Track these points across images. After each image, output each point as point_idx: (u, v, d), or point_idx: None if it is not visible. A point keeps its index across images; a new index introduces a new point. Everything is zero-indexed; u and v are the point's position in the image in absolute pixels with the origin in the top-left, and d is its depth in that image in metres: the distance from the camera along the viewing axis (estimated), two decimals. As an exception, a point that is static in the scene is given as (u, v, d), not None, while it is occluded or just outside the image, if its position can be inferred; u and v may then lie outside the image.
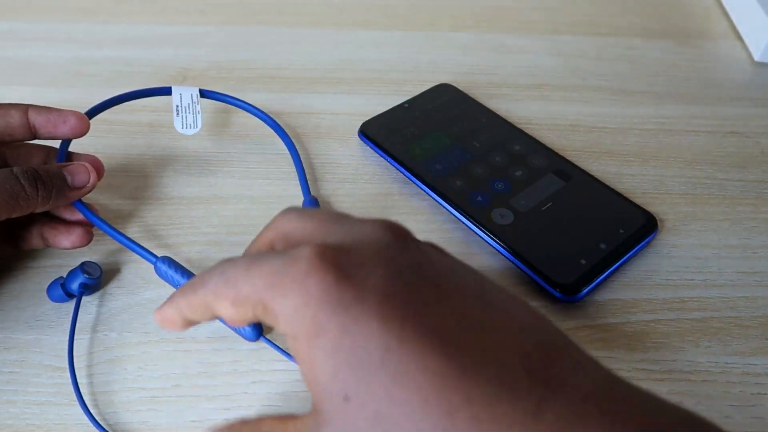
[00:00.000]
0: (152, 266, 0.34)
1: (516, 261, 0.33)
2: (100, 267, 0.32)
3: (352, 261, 0.19)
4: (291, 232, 0.23)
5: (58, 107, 0.33)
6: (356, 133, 0.41)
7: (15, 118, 0.31)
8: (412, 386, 0.17)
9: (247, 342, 0.31)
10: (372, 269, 0.19)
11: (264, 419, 0.21)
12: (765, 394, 0.30)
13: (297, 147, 0.40)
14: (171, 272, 0.31)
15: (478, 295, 0.20)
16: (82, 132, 0.33)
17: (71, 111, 0.33)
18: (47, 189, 0.30)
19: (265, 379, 0.30)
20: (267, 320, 0.20)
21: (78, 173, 0.31)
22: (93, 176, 0.32)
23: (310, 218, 0.23)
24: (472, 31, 0.53)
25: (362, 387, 0.17)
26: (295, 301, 0.18)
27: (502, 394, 0.17)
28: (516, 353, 0.18)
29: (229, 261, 0.22)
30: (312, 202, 0.36)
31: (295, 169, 0.40)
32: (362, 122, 0.41)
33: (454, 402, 0.17)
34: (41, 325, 0.31)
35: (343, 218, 0.23)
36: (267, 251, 0.22)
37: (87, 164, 0.32)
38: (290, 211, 0.24)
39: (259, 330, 0.30)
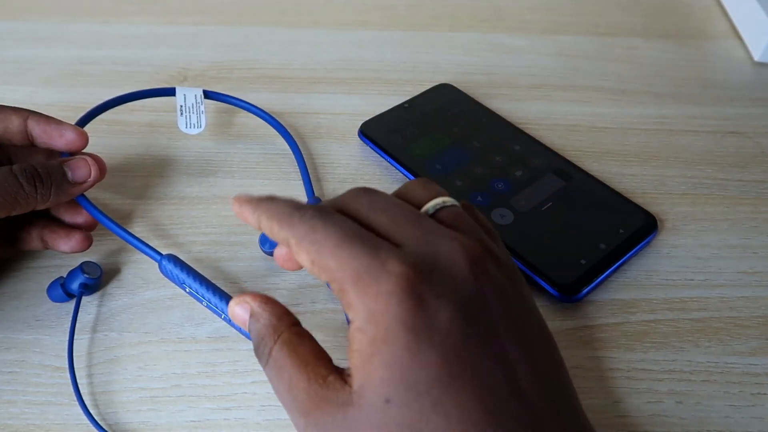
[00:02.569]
0: (152, 266, 0.34)
1: (516, 261, 0.33)
2: (100, 267, 0.32)
3: (431, 291, 0.21)
4: (371, 220, 0.24)
5: (64, 110, 0.33)
6: (356, 133, 0.41)
7: (14, 124, 0.31)
8: (444, 417, 0.20)
9: (247, 342, 0.31)
10: (445, 305, 0.21)
11: (306, 341, 0.24)
12: (765, 394, 0.30)
13: (300, 147, 0.40)
14: (177, 271, 0.31)
15: (527, 349, 0.22)
16: (79, 147, 0.32)
17: (69, 126, 0.32)
18: (46, 186, 0.30)
19: (265, 379, 0.30)
20: (338, 296, 0.22)
21: (78, 168, 0.31)
22: (94, 170, 0.31)
23: (390, 213, 0.24)
24: (472, 31, 0.53)
25: (404, 400, 0.20)
26: (375, 307, 0.21)
27: None
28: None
29: (321, 215, 0.23)
30: (316, 202, 0.36)
31: (295, 169, 0.40)
32: (362, 122, 0.41)
33: None
34: (41, 325, 0.31)
35: (423, 222, 0.23)
36: (358, 228, 0.23)
37: (88, 158, 0.32)
38: (363, 194, 0.25)
39: None
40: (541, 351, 0.23)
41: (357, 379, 0.21)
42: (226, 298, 0.31)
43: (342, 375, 0.22)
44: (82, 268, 0.31)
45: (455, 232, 0.23)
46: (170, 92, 0.39)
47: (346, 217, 0.23)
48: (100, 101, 0.37)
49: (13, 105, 0.32)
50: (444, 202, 0.25)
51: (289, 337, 0.23)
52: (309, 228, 0.22)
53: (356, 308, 0.21)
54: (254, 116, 0.43)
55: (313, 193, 0.37)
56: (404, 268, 0.21)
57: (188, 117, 0.39)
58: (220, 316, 0.31)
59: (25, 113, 0.32)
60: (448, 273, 0.22)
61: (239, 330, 0.31)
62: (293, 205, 0.24)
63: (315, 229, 0.22)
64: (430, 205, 0.25)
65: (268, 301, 0.24)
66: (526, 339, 0.22)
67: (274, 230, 0.24)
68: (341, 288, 0.22)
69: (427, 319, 0.21)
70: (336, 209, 0.25)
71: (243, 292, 0.33)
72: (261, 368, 0.30)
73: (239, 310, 0.25)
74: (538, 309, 0.25)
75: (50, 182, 0.30)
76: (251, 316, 0.24)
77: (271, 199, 0.25)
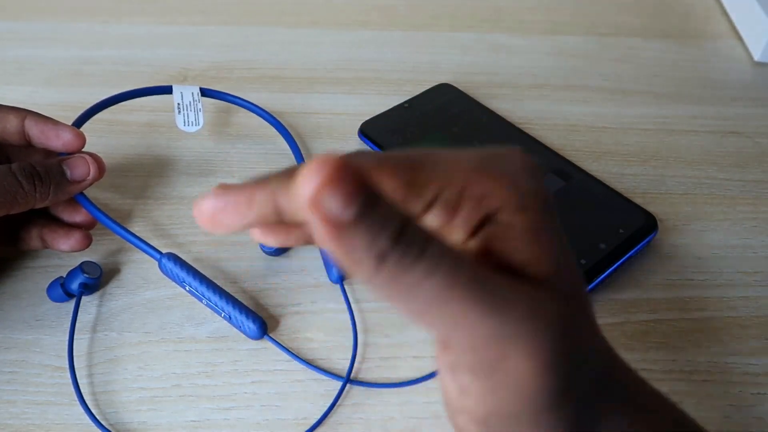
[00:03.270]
0: (152, 266, 0.34)
1: (516, 261, 0.33)
2: (100, 267, 0.32)
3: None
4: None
5: (64, 110, 0.33)
6: (356, 133, 0.41)
7: (12, 124, 0.31)
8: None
9: (247, 342, 0.31)
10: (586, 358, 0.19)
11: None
12: (765, 394, 0.30)
13: (299, 147, 0.40)
14: (177, 269, 0.31)
15: None
16: (76, 148, 0.32)
17: (67, 126, 0.32)
18: (45, 184, 0.30)
19: (265, 379, 0.30)
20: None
21: (77, 166, 0.31)
22: (93, 169, 0.31)
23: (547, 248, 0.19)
24: (472, 31, 0.53)
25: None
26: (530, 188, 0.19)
27: None
28: None
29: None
30: None
31: (295, 169, 0.40)
32: (362, 122, 0.41)
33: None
34: (41, 325, 0.31)
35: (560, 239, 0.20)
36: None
37: (87, 157, 0.31)
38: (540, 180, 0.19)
39: (263, 328, 0.30)
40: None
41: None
42: (226, 296, 0.31)
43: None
44: (82, 267, 0.31)
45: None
46: (167, 90, 0.39)
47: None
48: (101, 99, 0.37)
49: (12, 105, 0.32)
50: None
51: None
52: (404, 292, 0.15)
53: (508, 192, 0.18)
54: (254, 116, 0.43)
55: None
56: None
57: (186, 115, 0.39)
58: (219, 314, 0.31)
59: (23, 113, 0.32)
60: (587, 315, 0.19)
61: (240, 329, 0.31)
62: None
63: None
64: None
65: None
66: None
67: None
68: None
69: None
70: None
71: (243, 291, 0.33)
72: (261, 368, 0.30)
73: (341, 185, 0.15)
74: None
75: (49, 181, 0.30)
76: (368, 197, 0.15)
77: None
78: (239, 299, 0.31)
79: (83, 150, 0.33)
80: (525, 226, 0.18)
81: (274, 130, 0.41)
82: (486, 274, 0.16)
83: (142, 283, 0.33)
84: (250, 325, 0.30)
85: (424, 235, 0.15)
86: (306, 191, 0.13)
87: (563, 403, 0.18)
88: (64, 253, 0.34)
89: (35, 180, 0.30)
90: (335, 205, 0.13)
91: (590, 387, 0.19)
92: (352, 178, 0.14)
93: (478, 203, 0.18)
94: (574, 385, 0.18)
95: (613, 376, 0.20)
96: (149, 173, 0.39)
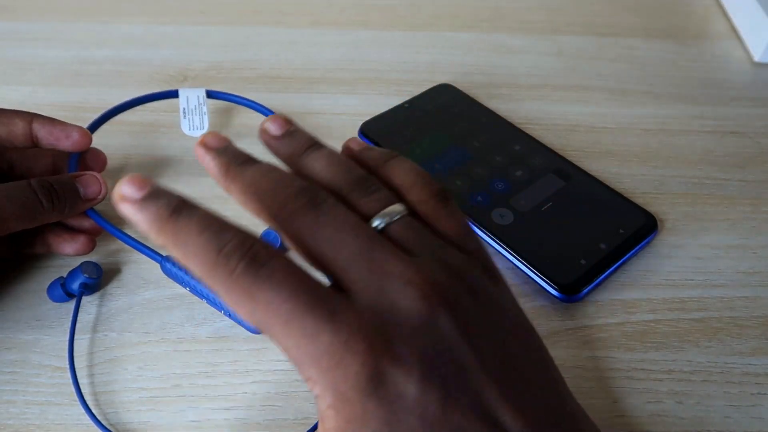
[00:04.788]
0: (152, 267, 0.34)
1: (516, 261, 0.33)
2: (100, 267, 0.33)
3: (395, 357, 0.20)
4: (315, 249, 0.21)
5: (64, 110, 0.33)
6: (356, 133, 0.41)
7: (19, 127, 0.32)
8: None
9: (247, 342, 0.31)
10: (410, 368, 0.20)
11: None
12: (765, 394, 0.30)
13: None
14: (178, 271, 0.31)
15: (502, 383, 0.21)
16: (84, 147, 0.34)
17: (75, 126, 0.33)
18: (61, 202, 0.31)
19: (265, 379, 0.30)
20: (298, 370, 0.20)
21: (90, 185, 0.32)
22: (104, 188, 0.33)
23: (336, 240, 0.21)
24: (472, 31, 0.53)
25: None
26: (344, 389, 0.19)
27: None
28: None
29: (254, 270, 0.19)
30: None
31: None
32: (362, 122, 0.41)
33: None
34: (41, 325, 0.31)
35: (374, 253, 0.21)
36: (304, 286, 0.20)
37: (98, 175, 0.33)
38: (307, 207, 0.22)
39: None
40: (521, 376, 0.21)
41: None
42: None
43: None
44: (82, 268, 0.32)
45: (409, 268, 0.21)
46: (173, 94, 0.39)
47: (285, 267, 0.20)
48: (100, 101, 0.37)
49: (13, 105, 0.33)
50: (393, 213, 0.23)
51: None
52: (244, 293, 0.20)
53: (323, 387, 0.20)
54: (254, 116, 0.43)
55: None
56: (366, 343, 0.19)
57: (191, 119, 0.39)
58: (220, 310, 0.31)
59: (29, 116, 0.32)
60: (408, 327, 0.20)
61: (240, 323, 0.31)
62: (214, 241, 0.20)
63: (253, 297, 0.19)
64: (379, 222, 0.22)
65: None
66: (501, 370, 0.21)
67: (196, 274, 0.20)
68: (299, 364, 0.20)
69: (398, 388, 0.19)
70: (277, 225, 0.22)
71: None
72: (261, 368, 0.30)
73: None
74: (519, 315, 0.23)
75: (65, 198, 0.31)
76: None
77: (179, 216, 0.20)
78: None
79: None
80: (331, 425, 0.20)
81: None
82: None
83: (142, 283, 0.33)
84: None
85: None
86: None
87: None
88: (68, 256, 0.34)
89: (53, 197, 0.30)
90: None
91: None
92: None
93: (307, 381, 0.20)
94: None
95: None
96: (150, 173, 0.39)
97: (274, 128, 0.26)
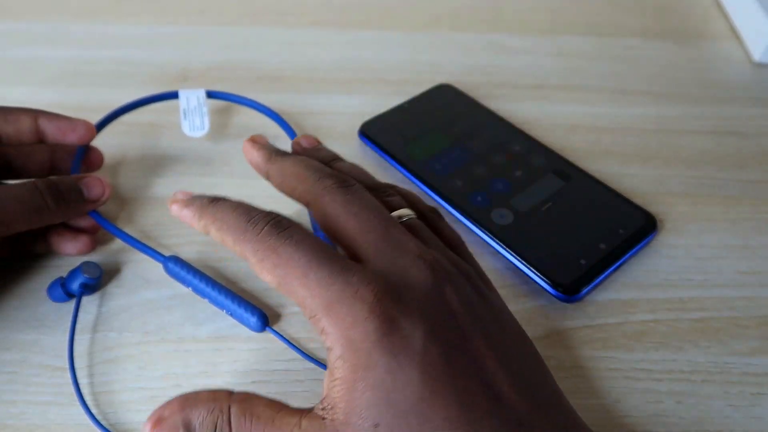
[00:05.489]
0: (152, 267, 0.34)
1: (516, 261, 0.33)
2: (100, 267, 0.33)
3: (403, 312, 0.22)
4: (340, 226, 0.24)
5: (64, 110, 0.34)
6: (356, 133, 0.41)
7: (26, 124, 0.32)
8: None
9: (247, 342, 0.31)
10: (419, 324, 0.21)
11: (254, 400, 0.22)
12: (765, 394, 0.30)
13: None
14: (180, 271, 0.31)
15: (502, 355, 0.22)
16: (89, 140, 0.34)
17: (80, 120, 0.34)
18: (66, 203, 0.31)
19: (265, 379, 0.30)
20: (310, 321, 0.22)
21: (94, 187, 0.33)
22: (107, 190, 0.33)
23: (361, 217, 0.24)
24: (472, 31, 0.53)
25: (393, 422, 0.20)
26: (353, 335, 0.21)
27: None
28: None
29: (278, 231, 0.23)
30: None
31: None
32: (362, 122, 0.41)
33: None
34: (41, 325, 0.31)
35: (391, 231, 0.24)
36: (321, 247, 0.23)
37: (101, 178, 0.33)
38: (340, 191, 0.25)
39: (264, 320, 0.30)
40: (516, 356, 0.23)
41: (342, 409, 0.21)
42: (226, 291, 0.31)
43: (312, 414, 0.22)
44: (82, 268, 0.32)
45: (420, 247, 0.24)
46: (174, 96, 0.39)
47: (304, 232, 0.23)
48: (100, 101, 0.37)
49: (13, 105, 0.33)
50: (405, 213, 0.26)
51: (239, 405, 0.22)
52: (268, 249, 0.22)
53: (333, 336, 0.21)
54: (253, 116, 0.43)
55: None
56: (376, 293, 0.21)
57: (192, 120, 0.39)
58: (222, 309, 0.31)
59: (34, 112, 0.33)
60: (416, 291, 0.22)
61: (242, 321, 0.31)
62: (245, 215, 0.24)
63: (276, 251, 0.22)
64: (401, 212, 0.26)
65: (189, 396, 0.23)
66: (499, 346, 0.23)
67: (227, 244, 0.24)
68: (313, 315, 0.22)
69: (403, 341, 0.21)
70: (310, 199, 0.25)
71: (243, 291, 0.33)
72: (261, 368, 0.30)
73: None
74: (510, 315, 0.25)
75: (69, 199, 0.31)
76: (183, 421, 0.22)
77: (217, 203, 0.25)
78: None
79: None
80: (339, 375, 0.21)
81: (274, 130, 0.41)
82: None
83: (142, 283, 0.33)
84: (251, 318, 0.30)
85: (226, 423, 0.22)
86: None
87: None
88: (68, 255, 0.34)
89: (58, 198, 0.31)
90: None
91: None
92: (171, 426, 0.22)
93: (320, 334, 0.22)
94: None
95: None
96: (150, 173, 0.39)
97: (305, 142, 0.31)
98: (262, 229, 0.23)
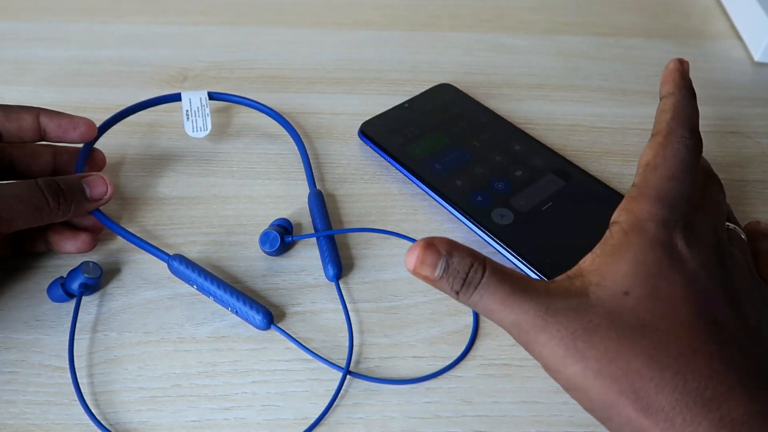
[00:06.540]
0: (152, 267, 0.34)
1: (516, 261, 0.33)
2: (100, 267, 0.32)
3: (691, 242, 0.24)
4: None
5: (64, 110, 0.34)
6: (356, 133, 0.41)
7: (28, 122, 0.32)
8: (675, 324, 0.22)
9: (247, 342, 0.31)
10: (696, 255, 0.24)
11: (505, 268, 0.24)
12: None
13: (306, 145, 0.40)
14: (188, 271, 0.31)
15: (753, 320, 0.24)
16: (90, 137, 0.34)
17: (82, 118, 0.34)
18: (68, 202, 0.31)
19: (265, 379, 0.30)
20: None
21: (97, 185, 0.32)
22: (110, 189, 0.33)
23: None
24: (472, 31, 0.53)
25: (641, 296, 0.23)
26: (646, 222, 0.24)
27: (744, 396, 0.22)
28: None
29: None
30: (316, 194, 0.37)
31: (294, 169, 0.40)
32: (362, 122, 0.41)
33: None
34: (41, 325, 0.31)
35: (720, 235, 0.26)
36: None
37: (104, 176, 0.33)
38: (719, 215, 0.27)
39: (269, 318, 0.30)
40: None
41: (599, 272, 0.24)
42: (231, 290, 0.31)
43: (559, 280, 0.24)
44: (82, 268, 0.32)
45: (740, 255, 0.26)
46: (176, 98, 0.39)
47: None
48: (100, 101, 0.37)
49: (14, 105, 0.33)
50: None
51: (494, 263, 0.24)
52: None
53: (630, 215, 0.25)
54: (253, 116, 0.43)
55: (315, 187, 0.37)
56: (677, 219, 0.24)
57: (194, 121, 0.39)
58: (227, 308, 0.31)
59: (36, 110, 0.33)
60: (709, 246, 0.25)
61: (247, 319, 0.31)
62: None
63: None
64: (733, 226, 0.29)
65: (455, 241, 0.24)
66: (754, 314, 0.24)
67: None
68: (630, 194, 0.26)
69: (681, 255, 0.24)
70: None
71: (245, 290, 0.33)
72: (261, 368, 0.30)
73: (428, 255, 0.23)
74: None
75: (71, 198, 0.31)
76: (447, 253, 0.24)
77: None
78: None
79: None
80: (612, 243, 0.25)
81: (274, 130, 0.41)
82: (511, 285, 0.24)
83: (142, 283, 0.33)
84: (257, 316, 0.30)
85: (479, 274, 0.24)
86: (408, 266, 0.23)
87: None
88: (68, 254, 0.34)
89: (60, 197, 0.31)
90: (427, 271, 0.24)
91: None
92: (436, 252, 0.23)
93: (612, 224, 0.26)
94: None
95: None
96: (150, 173, 0.39)
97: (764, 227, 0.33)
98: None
